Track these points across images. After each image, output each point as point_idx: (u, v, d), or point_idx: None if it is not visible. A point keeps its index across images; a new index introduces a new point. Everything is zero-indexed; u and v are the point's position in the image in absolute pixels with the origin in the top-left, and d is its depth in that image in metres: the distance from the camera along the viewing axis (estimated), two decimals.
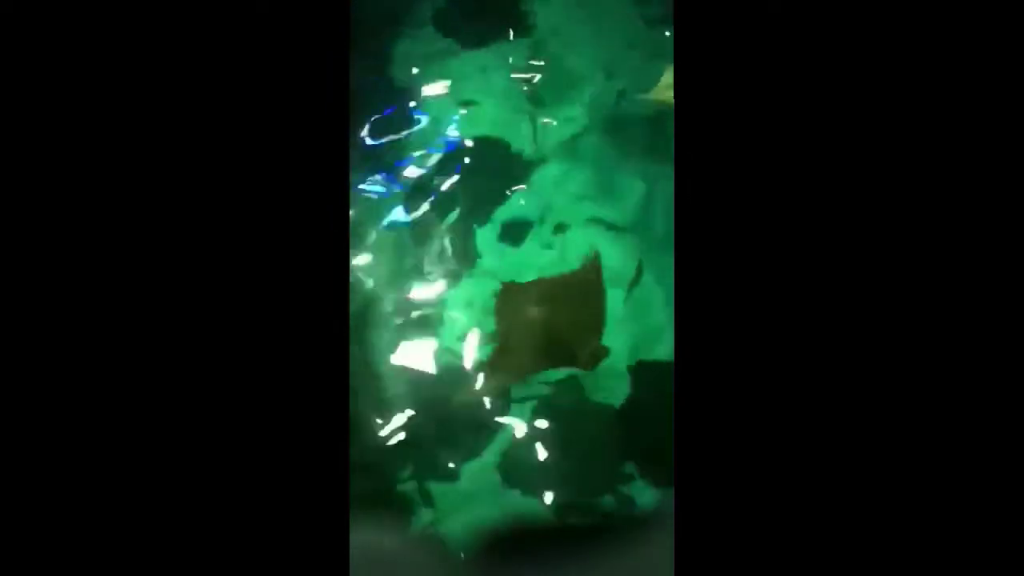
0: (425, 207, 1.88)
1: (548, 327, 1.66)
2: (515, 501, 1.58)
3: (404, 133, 1.98)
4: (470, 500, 1.59)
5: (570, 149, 1.94)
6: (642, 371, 1.70)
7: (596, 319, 1.66)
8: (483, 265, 1.84)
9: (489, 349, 1.70)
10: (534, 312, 1.68)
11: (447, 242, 1.87)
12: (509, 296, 1.73)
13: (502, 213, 1.88)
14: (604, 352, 1.60)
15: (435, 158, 1.94)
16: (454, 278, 1.82)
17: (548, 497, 1.58)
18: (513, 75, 2.02)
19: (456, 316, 1.78)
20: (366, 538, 1.33)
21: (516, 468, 1.62)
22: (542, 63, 2.03)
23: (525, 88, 2.00)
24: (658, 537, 1.38)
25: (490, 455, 1.63)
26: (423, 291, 1.81)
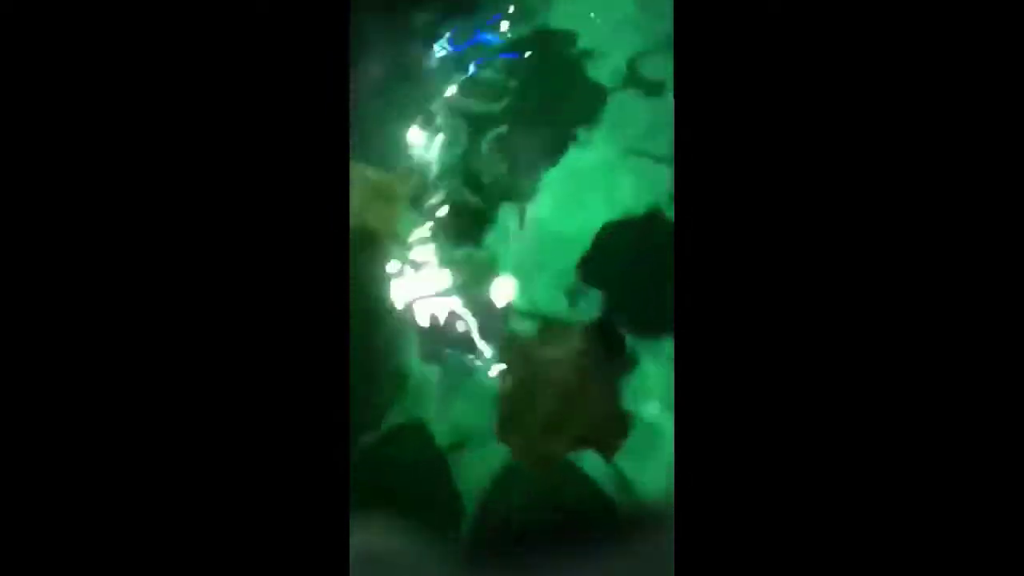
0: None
1: (562, 402, 1.59)
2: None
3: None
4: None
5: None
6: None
7: (612, 395, 1.60)
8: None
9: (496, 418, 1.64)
10: (546, 382, 1.62)
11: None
12: (519, 356, 1.68)
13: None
14: (625, 431, 1.55)
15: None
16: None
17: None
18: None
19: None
20: (366, 538, 1.33)
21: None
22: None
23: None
24: (658, 537, 1.38)
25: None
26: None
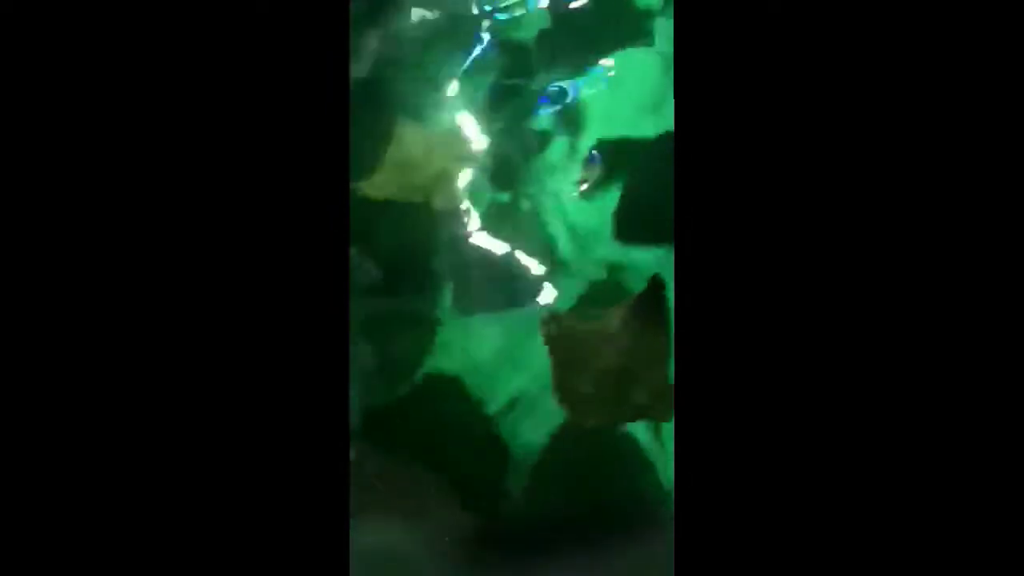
0: None
1: (612, 370, 1.57)
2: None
3: None
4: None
5: None
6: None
7: (663, 357, 1.57)
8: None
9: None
10: (595, 353, 1.60)
11: None
12: (562, 327, 1.65)
13: None
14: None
15: None
16: None
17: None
18: None
19: None
20: (367, 538, 1.33)
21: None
22: None
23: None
24: (658, 537, 1.38)
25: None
26: None
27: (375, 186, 1.81)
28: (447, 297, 1.76)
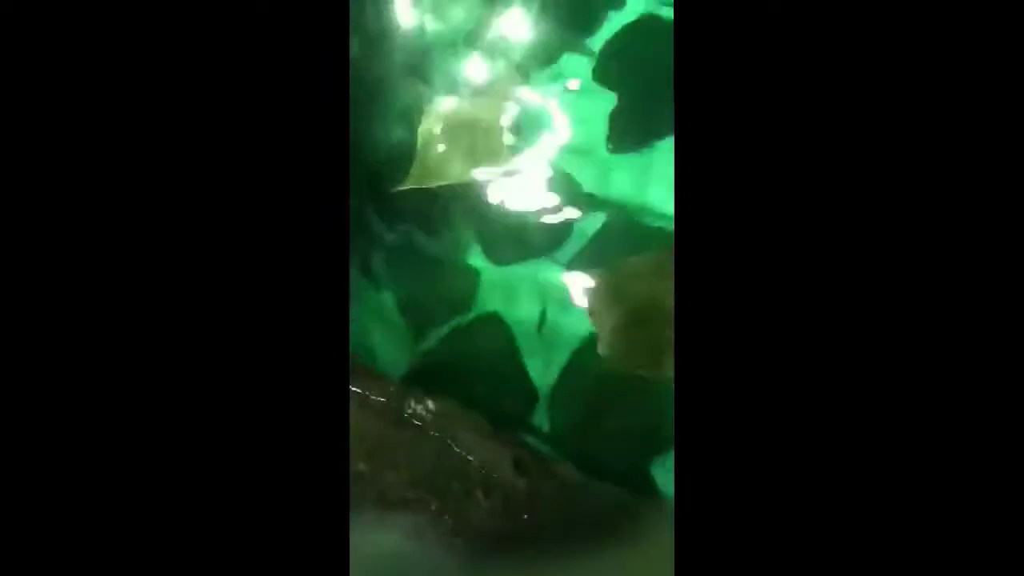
0: None
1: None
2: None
3: None
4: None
5: None
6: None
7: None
8: None
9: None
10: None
11: None
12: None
13: None
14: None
15: None
16: None
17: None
18: None
19: None
20: (368, 539, 1.33)
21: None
22: None
23: None
24: (658, 536, 1.38)
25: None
26: None
27: (415, 178, 1.85)
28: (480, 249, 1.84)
